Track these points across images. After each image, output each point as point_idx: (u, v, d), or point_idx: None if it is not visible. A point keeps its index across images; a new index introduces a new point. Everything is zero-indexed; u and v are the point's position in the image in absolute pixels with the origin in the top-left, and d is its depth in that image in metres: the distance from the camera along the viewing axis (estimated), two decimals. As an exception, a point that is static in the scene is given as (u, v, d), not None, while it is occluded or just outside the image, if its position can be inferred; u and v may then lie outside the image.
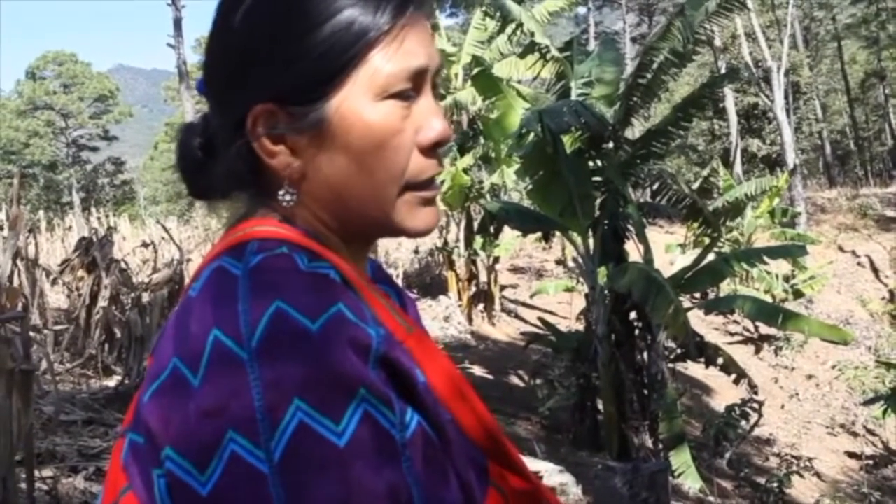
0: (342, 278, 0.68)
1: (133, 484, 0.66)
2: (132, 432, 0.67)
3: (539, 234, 8.82)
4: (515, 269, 16.38)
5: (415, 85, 0.71)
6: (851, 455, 10.20)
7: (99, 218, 15.39)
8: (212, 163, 0.75)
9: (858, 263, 18.75)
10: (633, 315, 7.47)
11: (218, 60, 0.72)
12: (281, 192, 0.70)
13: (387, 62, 0.69)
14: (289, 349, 0.60)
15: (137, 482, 0.65)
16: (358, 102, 0.68)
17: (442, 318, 11.09)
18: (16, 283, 5.34)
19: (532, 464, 4.54)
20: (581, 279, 10.04)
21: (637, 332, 7.52)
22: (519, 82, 10.34)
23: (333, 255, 0.70)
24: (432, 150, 0.73)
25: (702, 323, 12.71)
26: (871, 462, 9.70)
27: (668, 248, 14.45)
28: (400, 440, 0.62)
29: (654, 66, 7.18)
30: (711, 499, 6.71)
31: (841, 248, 19.53)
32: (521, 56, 9.49)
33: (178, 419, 0.61)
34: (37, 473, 3.09)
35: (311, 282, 0.65)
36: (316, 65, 0.68)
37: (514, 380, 9.79)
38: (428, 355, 0.70)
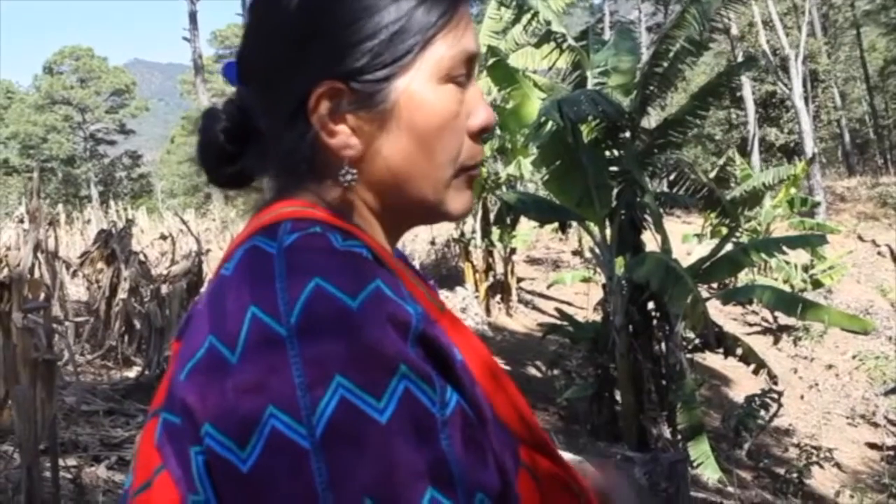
0: (375, 257, 0.68)
1: (167, 463, 0.66)
2: (166, 412, 0.67)
3: (556, 224, 8.79)
4: (532, 260, 16.35)
5: (468, 70, 0.73)
6: (872, 446, 10.12)
7: (117, 211, 15.49)
8: (237, 149, 0.75)
9: (879, 253, 18.56)
10: (650, 305, 7.44)
11: (273, 42, 0.72)
12: (341, 173, 0.70)
13: (449, 47, 0.71)
14: (329, 326, 0.60)
15: (172, 462, 0.65)
16: (423, 84, 0.70)
17: (459, 309, 11.08)
18: (36, 275, 5.39)
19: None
20: (598, 269, 10.01)
21: (655, 322, 7.49)
22: (534, 72, 10.29)
23: (365, 235, 0.71)
24: (479, 135, 0.75)
25: (720, 313, 12.64)
26: (892, 453, 9.63)
27: (685, 238, 14.37)
28: (440, 418, 0.62)
29: (670, 54, 7.13)
30: (731, 489, 6.68)
31: (861, 238, 19.34)
32: (537, 46, 9.43)
33: (216, 396, 0.61)
34: (61, 462, 3.13)
35: (347, 260, 0.65)
36: (386, 45, 0.69)
37: (532, 371, 9.79)
38: (461, 335, 0.70)
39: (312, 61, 0.69)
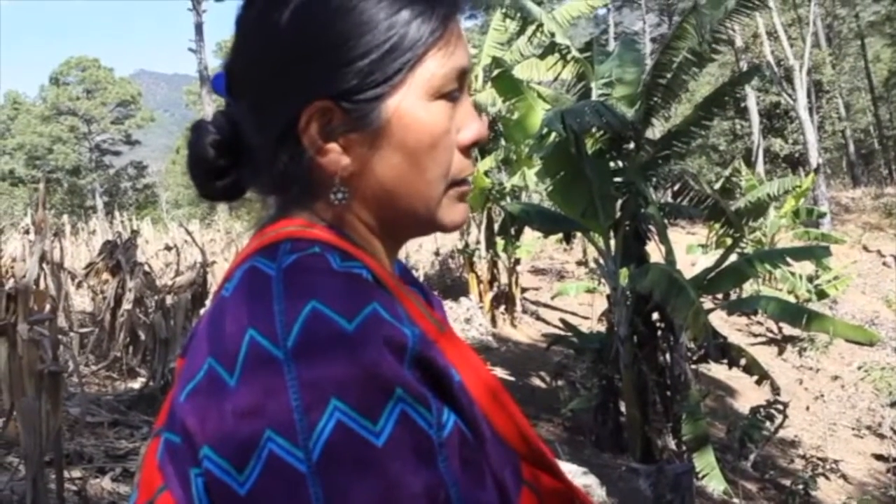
0: (374, 278, 0.68)
1: (169, 484, 0.66)
2: (168, 432, 0.68)
3: (560, 235, 8.79)
4: (536, 271, 16.33)
5: (459, 85, 0.73)
6: (878, 457, 10.06)
7: (122, 222, 15.50)
8: (228, 162, 0.74)
9: (884, 263, 18.50)
10: (655, 316, 7.43)
11: (262, 59, 0.71)
12: (333, 191, 0.70)
13: (440, 64, 0.70)
14: (325, 349, 0.60)
15: (174, 482, 0.66)
16: (415, 102, 0.70)
17: (463, 319, 11.07)
18: (42, 286, 5.40)
19: (555, 465, 4.51)
20: (602, 280, 9.99)
21: (659, 333, 7.48)
22: (539, 83, 10.31)
23: (365, 255, 0.71)
24: (469, 149, 0.75)
25: (725, 324, 12.60)
26: (898, 464, 9.57)
27: (689, 249, 14.34)
28: (437, 440, 0.62)
29: (674, 65, 7.13)
30: (736, 501, 6.66)
31: (866, 248, 19.29)
32: (542, 57, 9.46)
33: (215, 419, 0.61)
34: (66, 474, 3.12)
35: (345, 281, 0.65)
36: (377, 64, 0.68)
37: (536, 381, 9.77)
38: (460, 355, 0.70)
39: (303, 81, 0.69)
